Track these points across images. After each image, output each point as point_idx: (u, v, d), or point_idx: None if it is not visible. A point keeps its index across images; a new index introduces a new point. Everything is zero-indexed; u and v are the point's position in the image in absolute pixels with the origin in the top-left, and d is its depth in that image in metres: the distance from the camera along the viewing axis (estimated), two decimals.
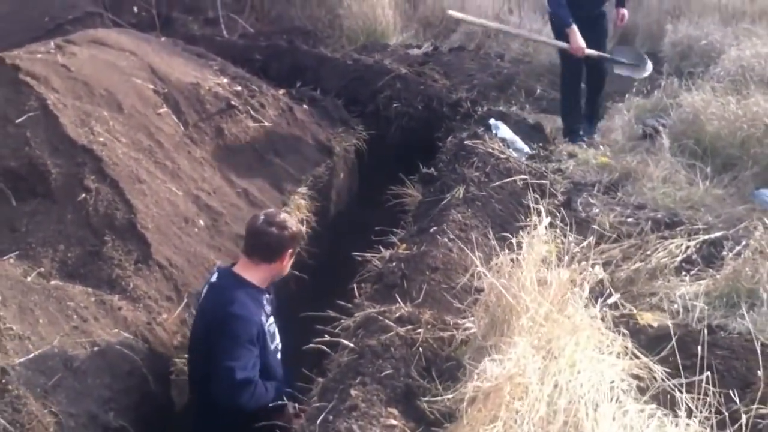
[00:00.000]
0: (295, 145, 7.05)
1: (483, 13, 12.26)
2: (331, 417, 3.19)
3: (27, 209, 4.92)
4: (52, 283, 4.47)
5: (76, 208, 4.94)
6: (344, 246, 5.60)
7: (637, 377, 3.38)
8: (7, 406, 3.50)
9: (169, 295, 4.82)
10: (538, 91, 9.55)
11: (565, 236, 4.34)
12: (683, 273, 4.84)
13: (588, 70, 7.78)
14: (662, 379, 3.33)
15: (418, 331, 3.70)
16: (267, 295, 4.28)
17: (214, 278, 4.26)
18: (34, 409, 3.55)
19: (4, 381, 3.57)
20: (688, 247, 5.05)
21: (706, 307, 4.36)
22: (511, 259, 3.75)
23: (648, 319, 4.29)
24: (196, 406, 4.32)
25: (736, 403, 3.38)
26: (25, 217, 4.87)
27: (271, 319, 4.26)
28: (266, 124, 6.90)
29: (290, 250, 4.27)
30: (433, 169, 6.50)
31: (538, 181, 6.01)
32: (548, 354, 3.23)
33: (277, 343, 4.30)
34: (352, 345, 3.69)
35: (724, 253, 4.99)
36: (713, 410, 3.17)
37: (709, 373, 3.32)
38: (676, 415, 3.14)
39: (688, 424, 3.10)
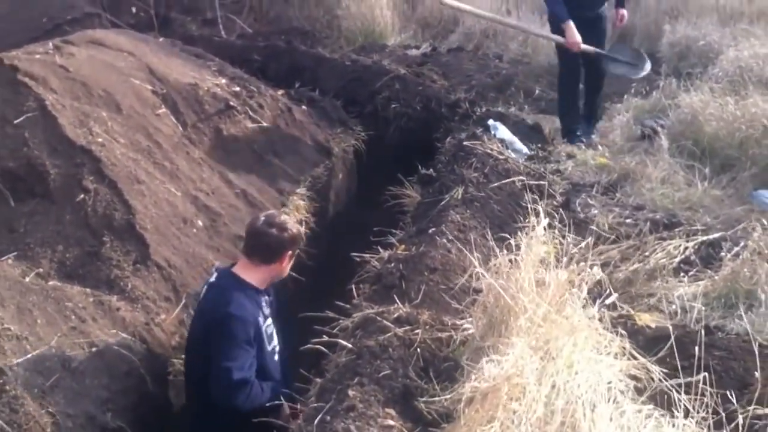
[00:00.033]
0: (294, 145, 7.05)
1: None
2: (328, 417, 3.19)
3: (25, 210, 4.92)
4: (51, 283, 4.47)
5: (75, 208, 4.94)
6: (343, 247, 5.61)
7: (634, 378, 3.39)
8: (5, 406, 3.51)
9: (168, 295, 4.82)
10: (537, 91, 9.55)
11: (563, 237, 4.35)
12: (681, 274, 4.84)
13: (586, 70, 7.79)
14: (660, 380, 3.34)
15: (416, 331, 3.70)
16: (266, 297, 4.28)
17: (213, 279, 4.27)
18: (31, 410, 3.55)
19: (1, 381, 3.58)
20: (686, 248, 5.05)
21: (704, 308, 4.36)
22: (510, 260, 3.75)
23: (646, 319, 4.30)
24: (193, 406, 4.32)
25: (733, 404, 3.38)
26: (24, 218, 4.86)
27: (270, 320, 4.25)
28: (265, 124, 6.90)
29: (290, 252, 4.27)
30: (431, 169, 6.50)
31: (536, 182, 6.01)
32: (546, 355, 3.23)
33: (275, 344, 4.29)
34: (350, 345, 3.70)
35: (723, 254, 4.99)
36: (710, 411, 3.18)
37: (706, 373, 3.31)
38: (673, 416, 3.14)
39: (685, 425, 3.10)
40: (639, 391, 3.32)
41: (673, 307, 4.45)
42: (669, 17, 11.13)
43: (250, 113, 6.84)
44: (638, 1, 11.54)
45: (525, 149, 7.11)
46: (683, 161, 6.59)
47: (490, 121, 7.37)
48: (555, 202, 5.84)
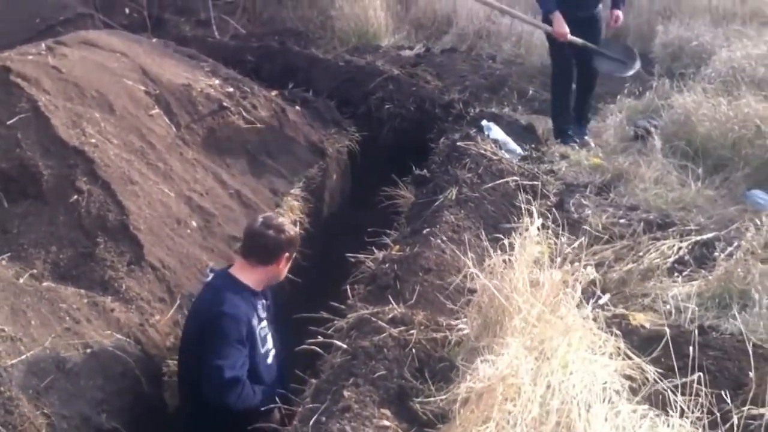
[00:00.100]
0: (288, 146, 7.05)
1: (474, 14, 12.30)
2: (323, 418, 3.20)
3: (18, 211, 4.90)
4: (45, 284, 4.46)
5: (68, 209, 4.92)
6: (337, 247, 5.61)
7: (629, 378, 3.39)
8: (0, 407, 3.49)
9: (162, 296, 4.81)
10: (531, 92, 9.56)
11: (557, 237, 4.36)
12: (675, 274, 4.86)
13: (578, 70, 7.80)
14: (654, 380, 3.35)
15: (411, 332, 3.71)
16: (263, 301, 4.31)
17: (209, 279, 4.29)
18: (26, 411, 3.54)
19: None
20: (680, 248, 5.07)
21: (696, 308, 4.37)
22: (504, 260, 3.76)
23: (640, 319, 4.31)
24: (186, 406, 4.31)
25: (727, 404, 3.39)
26: (17, 219, 4.85)
27: (264, 323, 4.27)
28: (258, 125, 6.89)
29: (287, 254, 4.30)
30: (425, 170, 6.51)
31: (530, 183, 6.02)
32: (541, 355, 3.23)
33: (268, 347, 4.30)
34: (345, 346, 3.70)
35: (716, 254, 5.01)
36: (705, 411, 3.19)
37: (701, 373, 3.32)
38: (668, 416, 3.15)
39: (680, 425, 3.11)
40: (634, 391, 3.32)
41: (668, 307, 4.45)
42: (662, 18, 11.16)
43: (244, 114, 6.84)
44: (631, 1, 11.55)
45: (519, 150, 7.12)
46: (676, 161, 6.61)
47: (484, 122, 7.38)
48: (549, 203, 5.84)
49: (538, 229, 4.06)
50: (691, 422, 3.14)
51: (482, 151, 6.41)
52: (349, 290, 4.49)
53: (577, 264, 3.78)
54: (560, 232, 4.61)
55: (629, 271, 4.84)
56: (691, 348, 3.49)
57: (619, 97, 8.39)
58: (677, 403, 3.17)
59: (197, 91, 6.63)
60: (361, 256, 4.81)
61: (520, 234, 3.97)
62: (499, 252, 3.83)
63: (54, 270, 4.63)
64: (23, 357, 3.81)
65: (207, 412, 4.04)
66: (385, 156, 7.63)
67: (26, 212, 4.90)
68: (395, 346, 3.63)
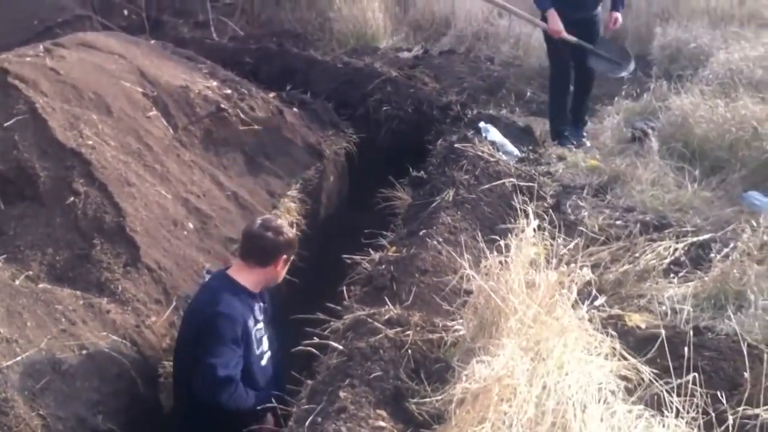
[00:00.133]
0: (285, 148, 7.05)
1: (473, 16, 12.32)
2: (319, 419, 3.19)
3: (15, 213, 4.90)
4: (41, 286, 4.46)
5: (65, 211, 4.93)
6: (334, 248, 5.62)
7: (625, 378, 3.39)
8: None
9: (158, 298, 4.81)
10: (528, 94, 9.58)
11: (553, 238, 4.35)
12: (671, 275, 4.85)
13: (576, 72, 7.81)
14: (650, 381, 3.35)
15: (407, 333, 3.70)
16: (261, 304, 4.32)
17: (206, 280, 4.30)
18: (21, 412, 3.55)
19: None
20: (676, 250, 5.07)
21: (692, 310, 4.37)
22: (500, 262, 3.76)
23: (636, 320, 4.31)
24: (181, 407, 4.31)
25: (723, 404, 3.39)
26: (13, 221, 4.85)
27: (261, 325, 4.28)
28: (256, 127, 6.89)
29: (285, 256, 4.32)
30: (422, 172, 6.51)
31: (527, 184, 6.02)
32: (536, 355, 3.24)
33: (264, 350, 4.31)
34: (341, 347, 3.69)
35: (712, 255, 5.01)
36: (700, 411, 3.19)
37: (696, 374, 3.32)
38: (663, 416, 3.15)
39: (675, 425, 3.11)
40: (629, 392, 3.33)
41: (663, 307, 4.46)
42: (660, 20, 11.17)
43: (242, 116, 6.83)
44: (630, 3, 11.56)
45: (516, 151, 7.12)
46: (673, 163, 6.62)
47: (482, 124, 7.38)
48: (546, 204, 5.84)
49: (535, 230, 4.05)
50: (687, 423, 3.15)
51: (479, 153, 6.40)
52: (345, 291, 4.49)
53: (573, 265, 3.78)
54: (557, 233, 4.60)
55: (625, 272, 4.85)
56: (686, 349, 3.48)
57: (616, 98, 8.41)
58: (673, 403, 3.17)
59: (195, 92, 6.63)
60: (358, 257, 4.81)
61: (516, 235, 3.97)
62: (495, 253, 3.83)
63: (50, 271, 4.63)
64: (19, 358, 3.81)
65: (201, 413, 4.05)
66: (383, 158, 7.63)
67: (23, 214, 4.90)
68: (391, 347, 3.63)
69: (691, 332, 3.87)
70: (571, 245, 4.36)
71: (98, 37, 7.11)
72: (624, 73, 7.96)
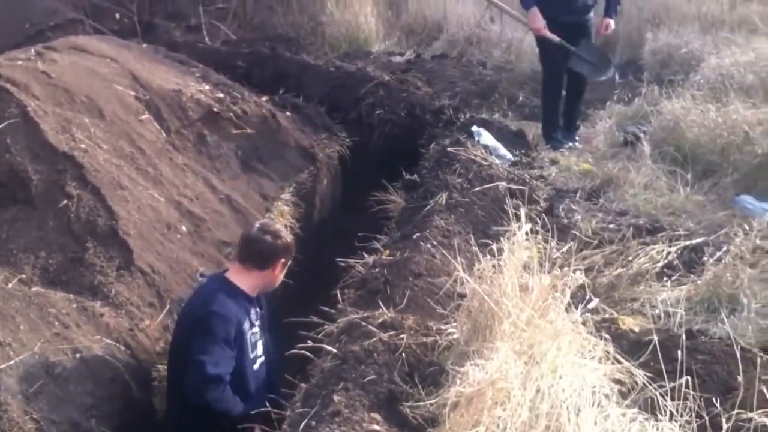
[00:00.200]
0: (278, 151, 7.04)
1: (465, 21, 12.34)
2: (313, 423, 3.19)
3: (7, 216, 4.89)
4: (34, 289, 4.45)
5: (58, 214, 4.91)
6: (328, 252, 5.61)
7: (618, 382, 3.40)
8: None
9: (152, 301, 4.80)
10: (521, 98, 9.59)
11: (546, 242, 4.36)
12: (664, 278, 4.87)
13: (568, 76, 7.83)
14: (643, 384, 3.35)
15: (401, 336, 3.70)
16: (257, 309, 4.33)
17: (204, 282, 4.32)
18: (15, 416, 3.53)
19: None
20: (669, 253, 5.09)
21: (685, 313, 4.38)
22: (493, 265, 3.76)
23: (629, 324, 4.32)
24: (175, 410, 4.30)
25: (717, 408, 3.40)
26: (6, 224, 4.84)
27: (256, 329, 4.29)
28: (249, 130, 6.89)
29: (282, 260, 4.35)
30: (415, 175, 6.52)
31: (520, 188, 6.03)
32: (530, 359, 3.24)
33: (257, 354, 4.32)
34: (335, 351, 3.69)
35: (705, 258, 5.03)
36: (694, 415, 3.20)
37: (689, 377, 3.33)
38: (657, 420, 3.16)
39: (669, 429, 3.12)
40: (623, 395, 3.34)
41: (657, 311, 4.47)
42: (651, 25, 11.19)
43: (234, 119, 6.83)
44: (621, 9, 11.59)
45: (509, 155, 7.13)
46: (665, 167, 6.64)
47: (474, 128, 7.39)
48: (539, 208, 5.85)
49: (528, 234, 4.06)
50: (680, 426, 3.15)
51: (472, 157, 6.41)
52: (339, 295, 4.49)
53: (566, 269, 3.79)
54: (550, 237, 4.61)
55: (618, 275, 4.87)
56: (679, 352, 3.50)
57: (608, 103, 8.43)
58: (666, 407, 3.18)
59: (187, 96, 6.62)
60: (352, 260, 4.81)
61: (509, 239, 3.97)
62: (488, 257, 3.83)
63: (43, 275, 4.62)
64: (12, 362, 3.80)
65: (194, 416, 4.04)
66: (376, 161, 7.63)
67: (15, 217, 4.89)
68: (385, 350, 3.63)
69: (684, 336, 3.87)
70: (565, 249, 4.37)
71: (90, 41, 7.10)
72: (603, 78, 7.96)
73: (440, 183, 5.91)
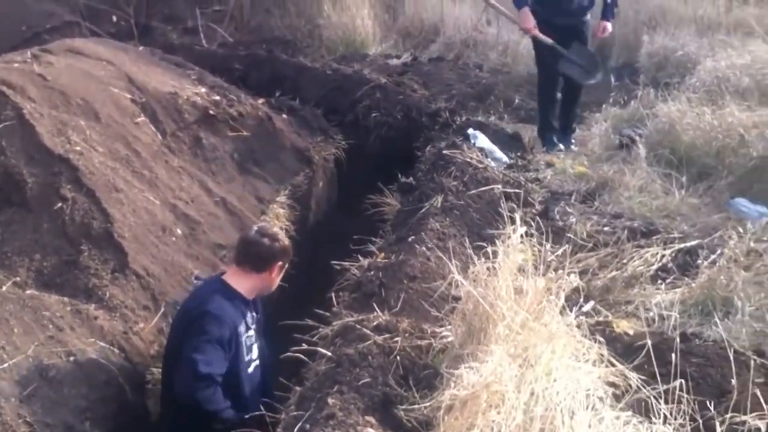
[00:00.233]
0: (274, 154, 7.04)
1: (462, 23, 12.35)
2: (308, 426, 3.18)
3: (2, 219, 4.89)
4: (28, 292, 4.44)
5: (52, 217, 4.91)
6: (323, 255, 5.61)
7: (612, 385, 3.40)
8: None
9: (146, 304, 4.80)
10: (517, 101, 9.60)
11: (541, 245, 4.36)
12: (659, 281, 4.88)
13: (565, 79, 7.84)
14: (638, 387, 3.35)
15: (396, 339, 3.70)
16: (253, 314, 4.35)
17: (201, 284, 4.33)
18: (9, 419, 3.53)
19: None
20: (663, 256, 5.09)
21: (679, 316, 4.38)
22: (488, 268, 3.76)
23: (624, 326, 4.32)
24: (170, 412, 4.29)
25: (710, 411, 3.40)
26: (1, 227, 4.83)
27: (252, 332, 4.30)
28: (245, 133, 6.89)
29: (279, 263, 4.37)
30: (411, 178, 6.52)
31: (515, 191, 6.03)
32: (525, 362, 3.24)
33: (253, 357, 4.32)
34: (329, 354, 3.69)
35: (699, 261, 5.03)
36: (688, 418, 3.21)
37: (683, 380, 3.33)
38: (651, 423, 3.16)
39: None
40: (617, 398, 3.33)
41: (651, 314, 4.47)
42: (647, 28, 11.22)
43: (230, 122, 6.83)
44: (617, 12, 11.60)
45: (504, 158, 7.14)
46: (661, 170, 6.65)
47: (470, 130, 7.40)
48: (534, 211, 5.86)
49: (523, 236, 4.07)
50: (674, 429, 3.16)
51: (468, 160, 6.42)
52: (334, 297, 4.49)
53: (561, 271, 3.78)
54: (544, 239, 4.61)
55: (613, 278, 4.87)
56: (673, 355, 3.50)
57: (604, 106, 8.44)
58: (660, 410, 3.18)
59: (183, 99, 6.62)
60: (347, 263, 4.81)
61: (504, 242, 3.97)
62: (483, 259, 3.84)
63: (38, 278, 4.62)
64: (6, 365, 3.80)
65: (187, 418, 4.03)
66: (372, 164, 7.64)
67: (10, 220, 4.89)
68: (380, 353, 3.63)
69: (678, 339, 3.89)
70: (559, 251, 4.36)
71: (86, 44, 7.10)
72: (591, 81, 7.95)
73: (436, 186, 5.91)
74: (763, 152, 6.43)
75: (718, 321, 4.31)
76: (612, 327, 4.30)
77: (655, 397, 3.24)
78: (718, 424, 3.25)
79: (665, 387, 3.30)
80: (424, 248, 4.79)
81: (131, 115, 6.09)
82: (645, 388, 3.33)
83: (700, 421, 3.29)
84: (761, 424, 3.26)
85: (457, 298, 3.93)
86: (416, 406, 3.32)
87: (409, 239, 5.00)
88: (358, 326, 3.82)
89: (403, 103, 8.28)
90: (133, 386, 4.37)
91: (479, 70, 10.99)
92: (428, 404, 3.28)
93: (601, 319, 4.32)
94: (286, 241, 4.49)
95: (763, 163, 6.40)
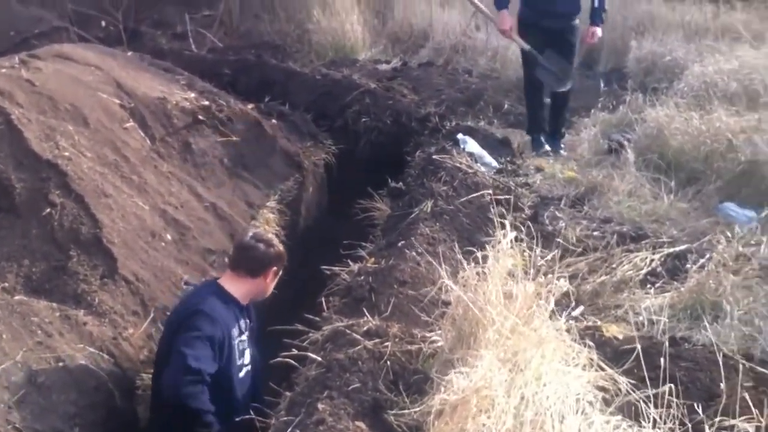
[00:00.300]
0: (264, 159, 7.04)
1: (451, 29, 12.38)
2: (298, 431, 3.18)
3: None
4: (16, 298, 4.42)
5: (41, 222, 4.89)
6: (313, 259, 5.61)
7: (602, 389, 3.40)
8: None
9: (136, 309, 4.78)
10: (506, 106, 9.63)
11: (531, 250, 4.37)
12: (648, 286, 4.89)
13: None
14: (627, 391, 3.36)
15: (386, 344, 3.70)
16: (246, 321, 4.36)
17: (189, 289, 4.34)
18: None
19: None
20: (652, 260, 5.11)
21: (668, 320, 4.40)
22: (478, 273, 3.77)
23: (613, 331, 4.34)
24: (161, 417, 4.27)
25: (700, 415, 3.42)
26: None
27: (244, 337, 4.31)
28: (234, 138, 6.88)
29: (274, 268, 4.41)
30: (401, 183, 6.53)
31: (505, 196, 6.04)
32: (514, 366, 3.25)
33: (244, 362, 4.32)
34: (319, 359, 3.69)
35: (688, 266, 5.05)
36: (677, 421, 3.21)
37: (673, 384, 3.35)
38: (641, 426, 3.17)
39: None
40: (607, 402, 3.34)
41: (640, 318, 4.48)
42: (635, 33, 11.27)
43: (220, 127, 6.83)
44: (606, 17, 11.64)
45: (494, 163, 7.15)
46: (649, 174, 6.68)
47: (460, 135, 7.40)
48: (523, 215, 5.87)
49: (512, 241, 4.08)
50: None
51: (458, 165, 6.43)
52: (324, 302, 4.49)
53: (550, 276, 3.79)
54: (534, 244, 4.62)
55: (602, 283, 4.88)
56: (663, 359, 3.51)
57: (593, 111, 8.47)
58: (650, 413, 3.19)
59: (172, 104, 6.61)
60: (337, 268, 4.81)
61: (494, 246, 3.98)
62: (473, 264, 3.84)
63: (26, 283, 4.59)
64: None
65: (177, 423, 4.01)
66: (362, 169, 7.64)
67: None
68: (370, 358, 3.63)
69: (668, 343, 3.89)
70: (549, 256, 4.37)
71: (75, 49, 7.08)
72: (560, 89, 7.87)
73: (425, 191, 5.91)
74: (751, 157, 6.47)
75: (707, 325, 4.32)
76: (601, 331, 4.31)
77: (644, 401, 3.25)
78: (707, 427, 3.26)
79: (655, 391, 3.31)
80: (414, 253, 4.80)
81: (120, 121, 6.07)
82: (634, 392, 3.35)
83: (690, 425, 3.30)
84: (750, 428, 3.27)
85: (447, 303, 3.93)
86: (406, 411, 3.32)
87: (399, 244, 5.00)
88: (348, 331, 3.82)
89: (393, 108, 8.29)
90: (123, 392, 4.35)
91: (468, 76, 11.01)
92: (418, 409, 3.28)
93: (590, 323, 4.33)
94: (281, 247, 4.52)
95: (751, 167, 6.44)
